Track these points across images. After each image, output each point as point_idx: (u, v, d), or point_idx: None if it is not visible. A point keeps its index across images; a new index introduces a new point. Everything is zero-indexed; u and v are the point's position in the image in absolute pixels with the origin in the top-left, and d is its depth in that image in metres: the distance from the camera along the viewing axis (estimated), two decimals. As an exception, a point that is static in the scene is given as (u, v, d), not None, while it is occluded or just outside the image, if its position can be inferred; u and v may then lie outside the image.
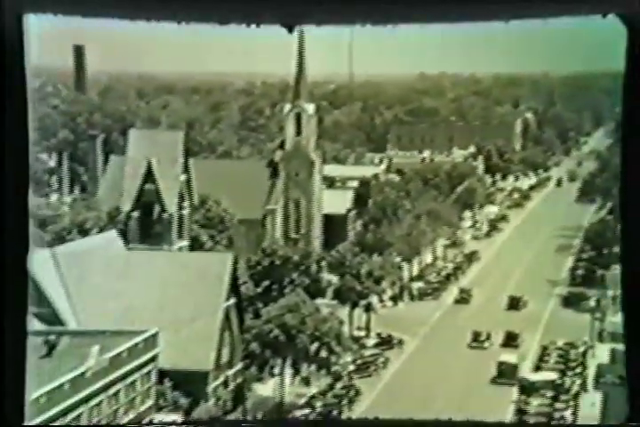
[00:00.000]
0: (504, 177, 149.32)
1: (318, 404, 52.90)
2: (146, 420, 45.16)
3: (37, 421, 35.86)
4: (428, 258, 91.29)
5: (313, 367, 55.55)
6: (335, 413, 52.38)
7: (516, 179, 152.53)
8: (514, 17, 6.15)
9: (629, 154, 6.41)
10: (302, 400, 53.99)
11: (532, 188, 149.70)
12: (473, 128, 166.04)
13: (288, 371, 53.81)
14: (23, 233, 6.29)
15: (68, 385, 38.30)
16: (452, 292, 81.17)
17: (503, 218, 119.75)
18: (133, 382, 44.19)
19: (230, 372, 53.20)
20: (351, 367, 59.09)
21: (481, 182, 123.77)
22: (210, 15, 6.11)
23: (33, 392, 35.74)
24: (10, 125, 6.09)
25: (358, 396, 55.07)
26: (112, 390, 42.07)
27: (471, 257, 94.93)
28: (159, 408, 47.10)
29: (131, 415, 43.87)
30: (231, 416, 50.74)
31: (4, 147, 6.11)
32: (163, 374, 47.10)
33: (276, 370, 53.07)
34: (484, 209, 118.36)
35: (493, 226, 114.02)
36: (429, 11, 6.08)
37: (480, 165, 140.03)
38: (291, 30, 6.21)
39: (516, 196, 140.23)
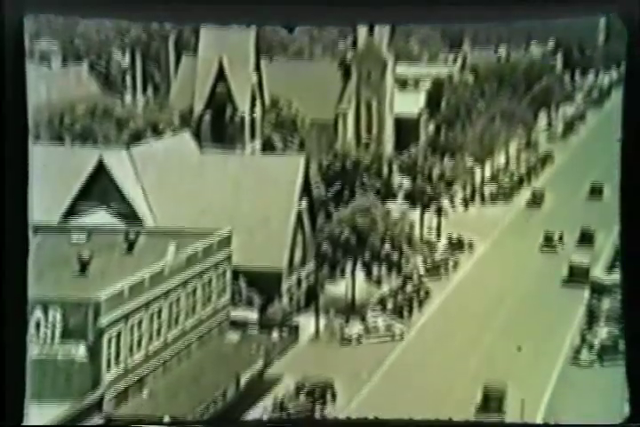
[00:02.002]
0: (584, 73, 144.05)
1: (389, 303, 53.95)
2: (222, 314, 46.88)
3: (123, 309, 37.74)
4: (501, 160, 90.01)
5: (384, 268, 56.35)
6: (406, 312, 53.41)
7: (597, 75, 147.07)
8: (514, 17, 5.90)
9: (629, 155, 6.17)
10: (373, 300, 55.11)
11: (612, 84, 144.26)
12: (553, 21, 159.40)
13: (359, 271, 54.73)
14: (23, 232, 6.40)
15: (148, 280, 39.90)
16: (525, 194, 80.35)
17: (580, 118, 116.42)
18: (209, 280, 45.69)
19: (303, 272, 54.42)
20: (421, 269, 59.73)
21: (559, 80, 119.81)
22: (210, 15, 5.96)
23: (116, 284, 37.47)
24: (10, 124, 6.10)
25: (428, 297, 55.90)
26: (189, 287, 43.65)
27: (545, 159, 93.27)
28: (235, 305, 48.78)
29: (208, 309, 45.61)
30: (304, 314, 52.26)
31: (5, 145, 6.15)
32: (237, 273, 48.48)
33: (348, 270, 54.04)
34: (560, 108, 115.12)
35: (570, 126, 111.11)
36: (430, 11, 5.85)
37: (559, 61, 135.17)
38: (291, 31, 5.99)
39: (595, 94, 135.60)
